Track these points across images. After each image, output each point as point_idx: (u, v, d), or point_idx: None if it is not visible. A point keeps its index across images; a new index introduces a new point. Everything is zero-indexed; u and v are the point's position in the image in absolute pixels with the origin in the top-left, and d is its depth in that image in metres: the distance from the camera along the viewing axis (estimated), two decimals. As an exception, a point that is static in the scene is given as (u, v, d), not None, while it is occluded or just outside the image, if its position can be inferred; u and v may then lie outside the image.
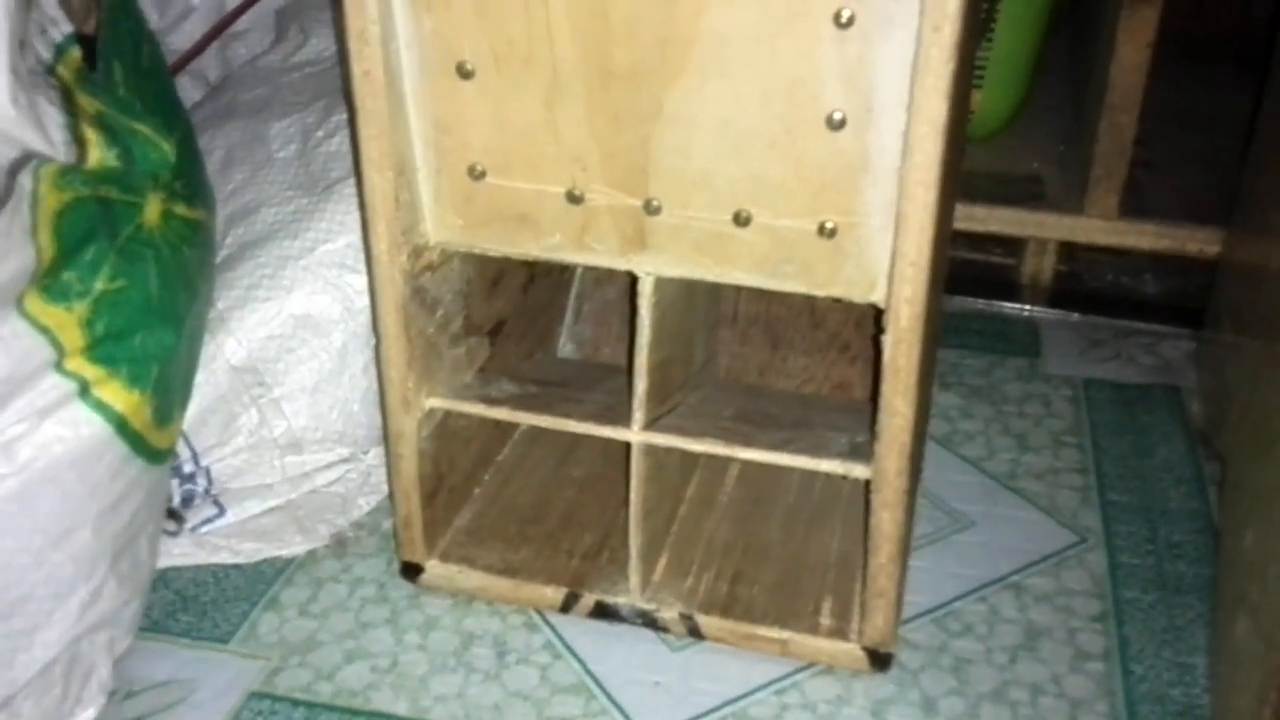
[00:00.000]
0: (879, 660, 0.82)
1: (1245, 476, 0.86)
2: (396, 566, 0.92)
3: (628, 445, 0.82)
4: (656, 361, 0.81)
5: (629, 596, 0.87)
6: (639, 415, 0.82)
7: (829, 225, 0.71)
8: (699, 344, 1.01)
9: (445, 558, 0.91)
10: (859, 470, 0.77)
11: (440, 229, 0.80)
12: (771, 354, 1.15)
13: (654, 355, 0.80)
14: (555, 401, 0.89)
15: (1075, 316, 1.36)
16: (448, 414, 0.89)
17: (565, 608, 0.88)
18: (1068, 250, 1.38)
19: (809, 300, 1.13)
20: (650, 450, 0.84)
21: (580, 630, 0.87)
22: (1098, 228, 1.27)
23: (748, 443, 0.81)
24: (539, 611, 0.89)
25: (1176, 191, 1.38)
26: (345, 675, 0.84)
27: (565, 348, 1.20)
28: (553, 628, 0.88)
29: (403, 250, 0.78)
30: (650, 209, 0.74)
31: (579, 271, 1.19)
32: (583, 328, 1.20)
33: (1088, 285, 1.43)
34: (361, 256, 1.02)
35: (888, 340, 0.71)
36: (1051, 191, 1.37)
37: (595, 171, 0.74)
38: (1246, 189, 1.12)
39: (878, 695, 0.82)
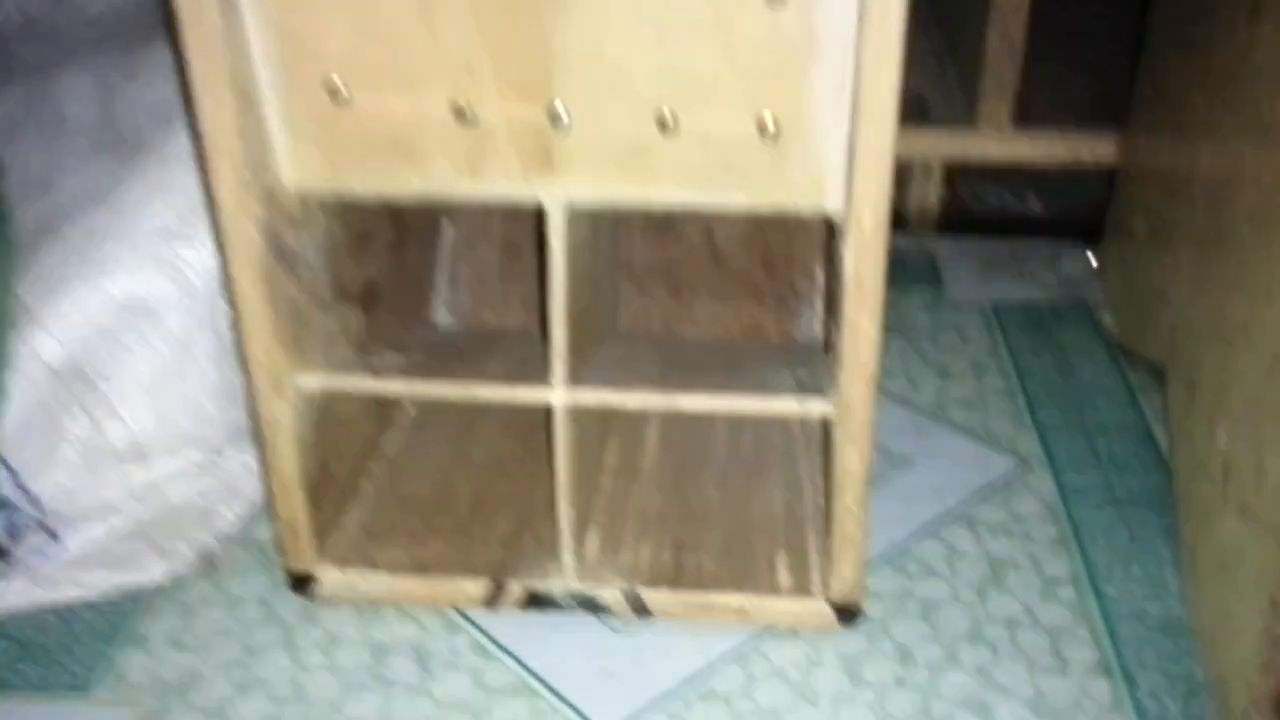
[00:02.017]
0: (847, 614, 0.77)
1: (1201, 377, 0.83)
2: (283, 580, 0.81)
3: (546, 411, 0.74)
4: (575, 310, 0.73)
5: (562, 580, 0.79)
6: (560, 371, 0.74)
7: (769, 123, 0.64)
8: (606, 294, 0.94)
9: (341, 563, 0.80)
10: (817, 406, 0.71)
11: (297, 167, 0.70)
12: (674, 302, 1.09)
13: (571, 301, 0.72)
14: (453, 369, 0.79)
15: (969, 241, 1.35)
16: (328, 395, 0.79)
17: (490, 601, 0.79)
18: (954, 173, 1.36)
19: (709, 240, 1.07)
20: (574, 413, 0.75)
21: (511, 625, 0.79)
22: (991, 142, 1.25)
23: (688, 391, 0.74)
24: (459, 610, 0.81)
25: (1065, 102, 1.38)
26: (241, 710, 0.73)
27: (441, 318, 1.10)
28: (478, 626, 0.79)
29: (254, 195, 0.68)
30: (556, 120, 0.66)
31: (449, 235, 1.09)
32: (459, 294, 1.10)
33: (976, 208, 1.41)
34: (195, 223, 0.90)
35: (848, 251, 0.65)
36: (937, 111, 1.35)
37: (486, 78, 0.65)
38: (1145, 89, 1.11)
39: (849, 651, 0.76)
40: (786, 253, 1.08)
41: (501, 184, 0.69)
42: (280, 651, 0.77)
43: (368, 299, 0.88)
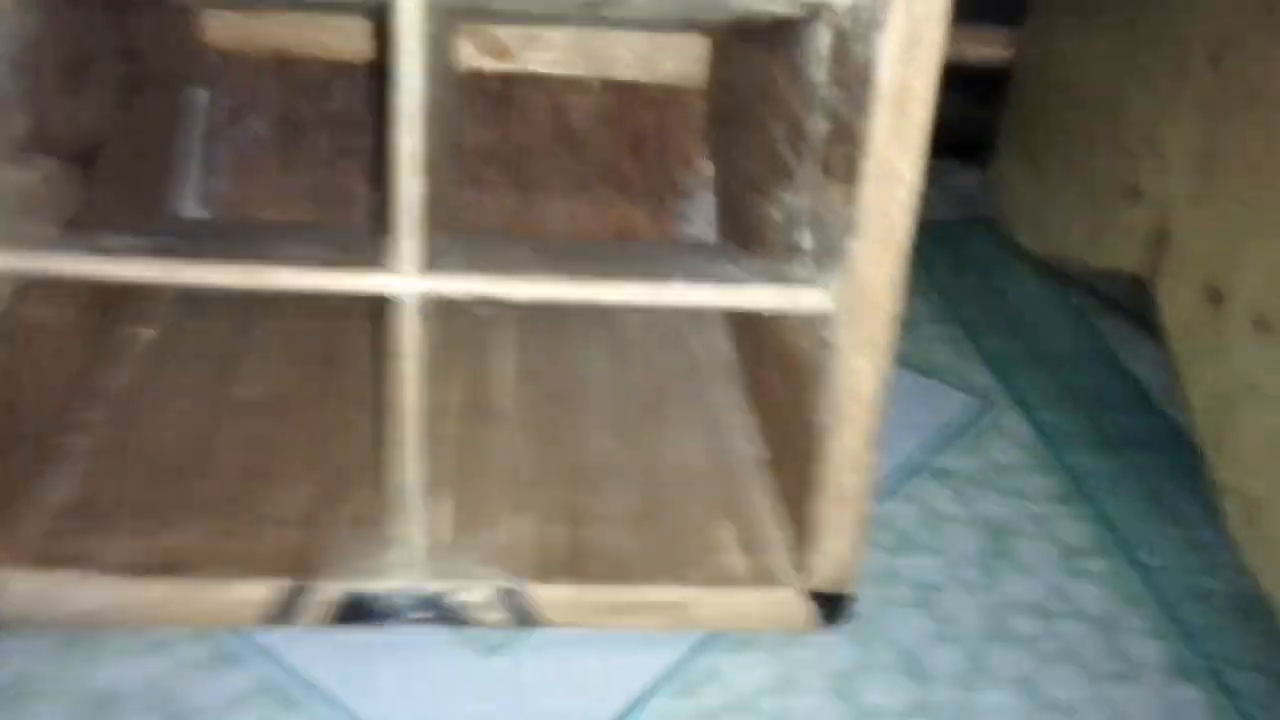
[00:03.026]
0: (834, 608, 0.55)
1: (1233, 279, 0.66)
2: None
3: (366, 318, 0.48)
4: (430, 154, 0.47)
5: (404, 575, 0.53)
6: (410, 250, 0.48)
7: None
8: (446, 170, 0.67)
9: (34, 562, 0.52)
10: (808, 298, 0.48)
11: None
12: (520, 198, 0.84)
13: (428, 140, 0.46)
14: (226, 255, 0.51)
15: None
16: (15, 291, 0.49)
17: (284, 613, 0.53)
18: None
19: (559, 117, 0.82)
20: (425, 310, 0.50)
21: (319, 648, 0.53)
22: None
23: (599, 279, 0.49)
24: (235, 629, 0.53)
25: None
26: None
27: (189, 211, 0.80)
28: (267, 653, 0.52)
29: None
30: None
31: (201, 102, 0.79)
32: (217, 182, 0.81)
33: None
34: None
35: (885, 46, 0.42)
36: None
37: None
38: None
39: (838, 666, 0.54)
40: (659, 135, 0.85)
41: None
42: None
43: (85, 159, 0.59)
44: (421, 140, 0.46)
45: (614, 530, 0.57)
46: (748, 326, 0.69)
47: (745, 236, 0.70)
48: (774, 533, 0.57)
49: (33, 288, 0.51)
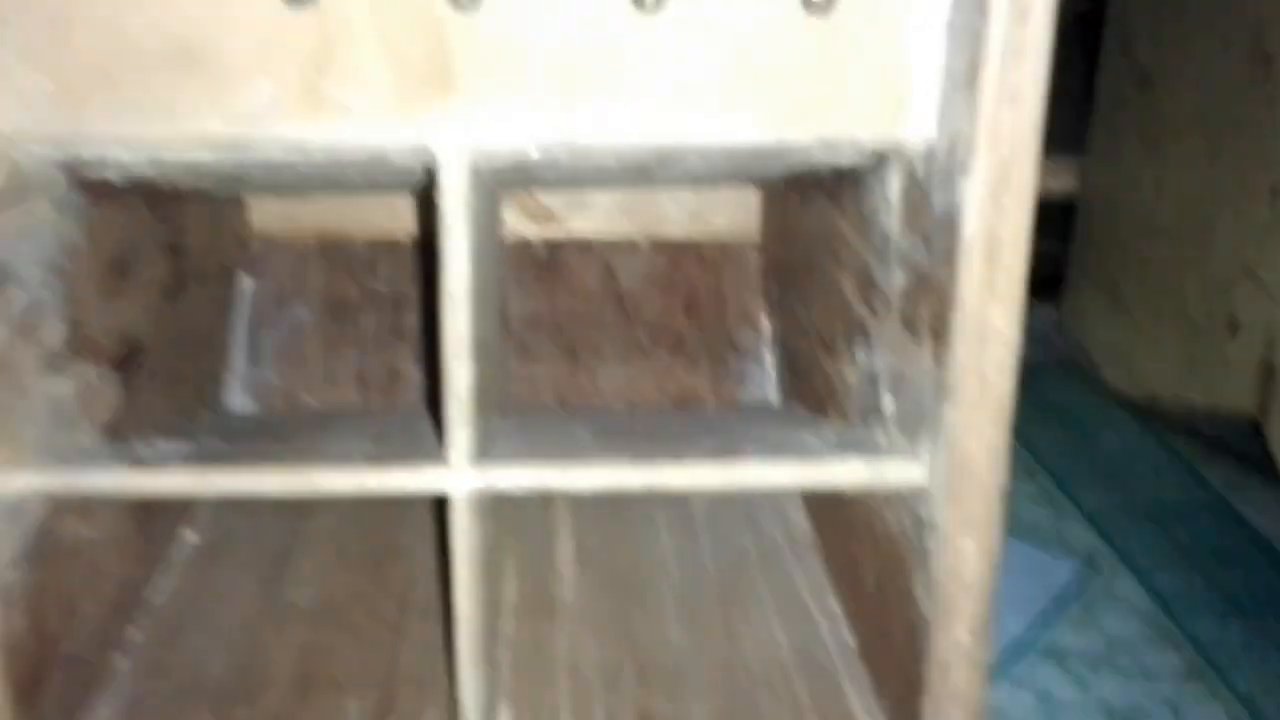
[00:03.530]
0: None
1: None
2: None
3: (436, 512, 0.47)
4: (479, 338, 0.46)
5: (469, 799, 0.49)
6: (462, 441, 0.45)
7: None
8: (495, 347, 0.66)
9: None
10: (902, 471, 0.45)
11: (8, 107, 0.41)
12: (570, 367, 0.82)
13: (475, 325, 0.45)
14: (272, 455, 0.50)
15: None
16: (51, 507, 0.48)
17: None
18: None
19: (609, 280, 0.81)
20: (480, 506, 0.47)
21: None
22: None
23: (674, 460, 0.46)
24: None
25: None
26: None
27: (237, 402, 0.79)
28: None
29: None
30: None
31: (247, 288, 0.79)
32: (264, 370, 0.80)
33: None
34: None
35: (970, 192, 0.39)
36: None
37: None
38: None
39: None
40: (715, 293, 0.83)
41: (360, 120, 0.42)
42: None
43: (126, 362, 0.58)
44: (469, 323, 0.44)
45: (692, 734, 0.52)
46: (829, 501, 0.65)
47: (814, 398, 0.67)
48: (874, 731, 0.53)
49: (68, 506, 0.49)
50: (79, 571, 0.51)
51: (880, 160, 0.47)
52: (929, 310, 0.43)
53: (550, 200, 0.84)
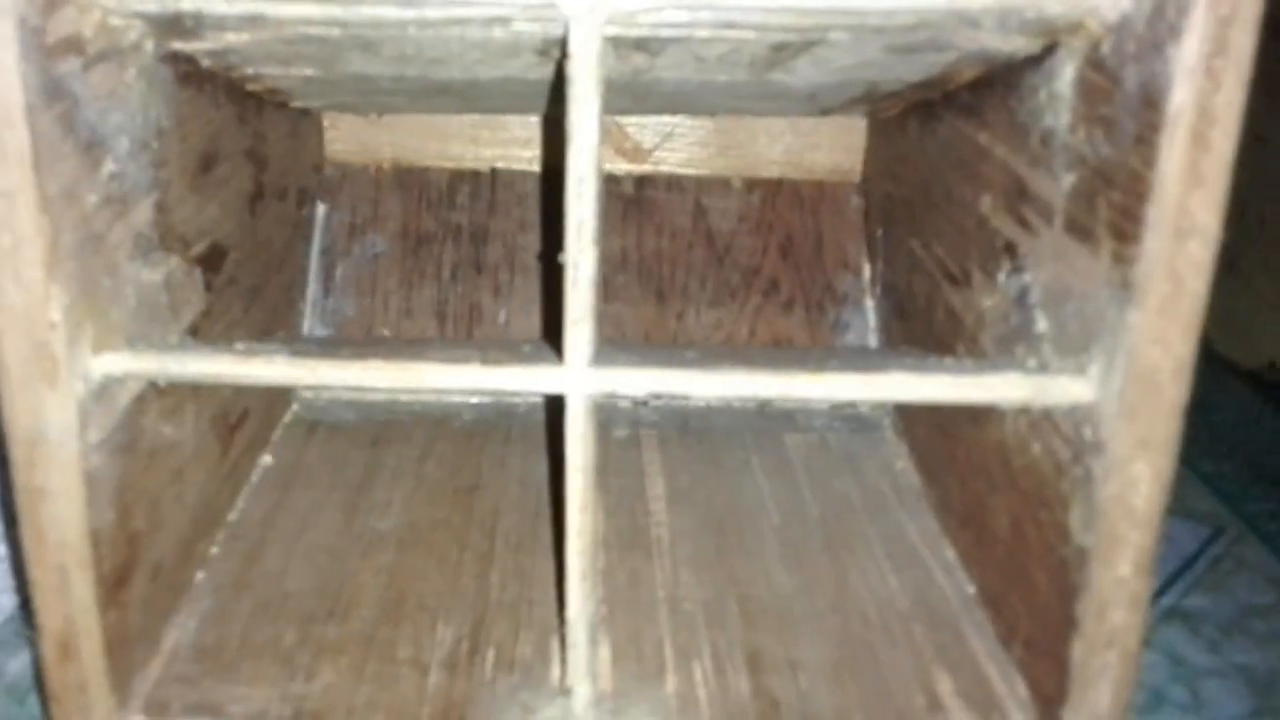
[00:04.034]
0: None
1: None
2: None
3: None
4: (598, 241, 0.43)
5: (568, 728, 0.46)
6: (581, 338, 0.42)
7: None
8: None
9: (159, 710, 0.46)
10: (1075, 388, 0.41)
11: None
12: (658, 308, 0.79)
13: (597, 222, 0.41)
14: (382, 351, 0.47)
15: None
16: (142, 402, 0.45)
17: (440, 777, 0.46)
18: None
19: (701, 220, 0.78)
20: (598, 415, 0.44)
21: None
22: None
23: (811, 369, 0.43)
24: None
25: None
26: None
27: (311, 329, 0.77)
28: (417, 825, 0.45)
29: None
30: None
31: (321, 212, 0.77)
32: (338, 300, 0.77)
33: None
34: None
35: (1182, 58, 0.35)
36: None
37: None
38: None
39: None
40: (813, 236, 0.80)
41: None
42: None
43: (210, 263, 0.55)
44: (596, 209, 0.41)
45: (808, 681, 0.49)
46: (938, 442, 0.62)
47: (930, 339, 0.64)
48: (1003, 686, 0.49)
49: (153, 400, 0.46)
50: (163, 475, 0.49)
51: (1049, 47, 0.43)
52: (1109, 208, 0.39)
53: (639, 132, 0.81)
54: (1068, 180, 0.42)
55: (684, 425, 0.73)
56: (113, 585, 0.43)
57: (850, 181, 0.81)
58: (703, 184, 0.82)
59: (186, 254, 0.51)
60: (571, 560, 0.44)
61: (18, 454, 0.39)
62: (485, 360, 0.43)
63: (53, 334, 0.38)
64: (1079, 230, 0.42)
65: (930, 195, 0.63)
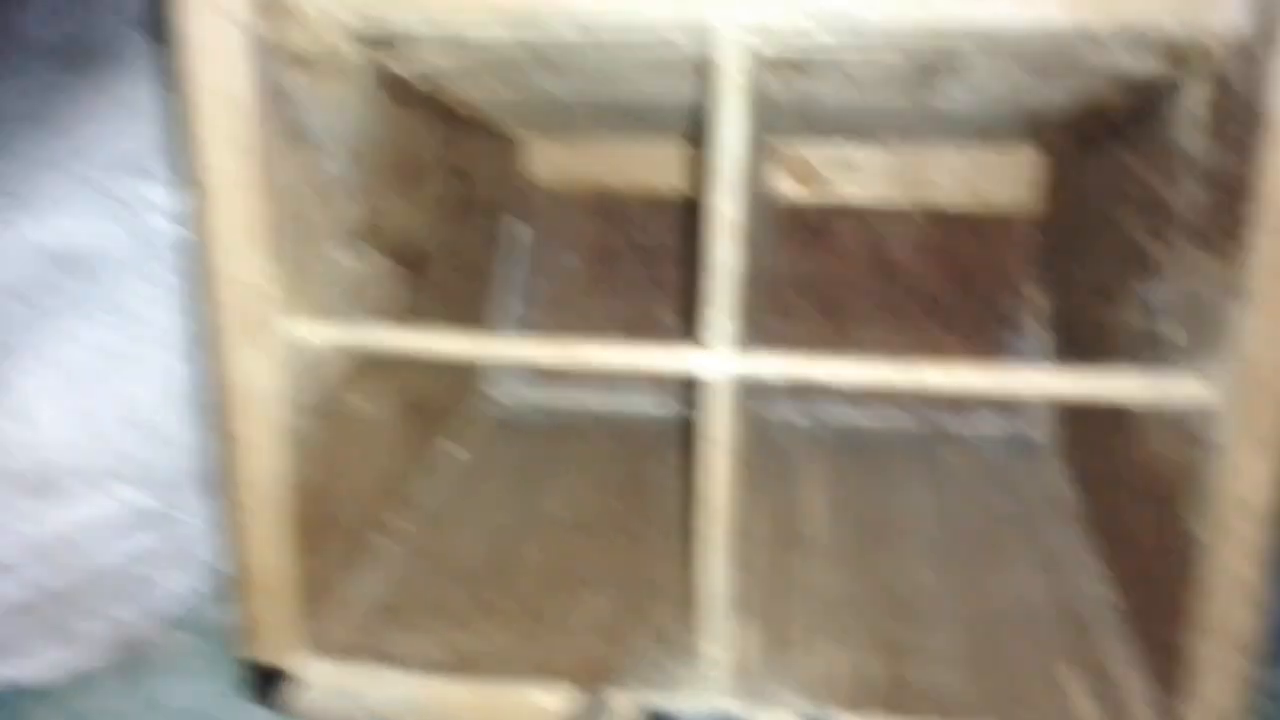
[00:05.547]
0: (1211, 775, 0.46)
1: None
2: (245, 680, 0.52)
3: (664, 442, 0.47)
4: (744, 238, 0.46)
5: (704, 692, 0.49)
6: (721, 323, 0.46)
7: None
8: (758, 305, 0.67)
9: (340, 653, 0.52)
10: (1191, 387, 0.42)
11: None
12: (825, 324, 0.81)
13: (742, 220, 0.45)
14: (542, 334, 0.52)
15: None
16: (345, 377, 0.51)
17: (581, 724, 0.50)
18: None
19: (874, 245, 0.80)
20: (742, 406, 0.47)
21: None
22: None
23: (937, 360, 0.45)
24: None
25: None
26: None
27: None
28: (560, 766, 0.49)
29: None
30: None
31: (522, 236, 0.83)
32: (535, 313, 0.83)
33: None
34: (155, 157, 0.65)
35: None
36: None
37: None
38: None
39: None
40: (982, 262, 0.81)
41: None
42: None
43: (412, 265, 0.62)
44: (741, 209, 0.45)
45: (939, 667, 0.51)
46: (1091, 458, 0.62)
47: (1087, 355, 0.64)
48: (1130, 682, 0.50)
49: (356, 377, 0.52)
50: (358, 445, 0.55)
51: (1180, 68, 0.45)
52: (1228, 216, 0.41)
53: (816, 159, 0.84)
54: (1200, 195, 0.44)
55: (849, 442, 0.76)
56: (309, 535, 0.49)
57: (1025, 213, 0.82)
58: (882, 216, 0.84)
59: (393, 253, 0.58)
60: (710, 532, 0.48)
61: (231, 407, 0.46)
62: (632, 341, 0.47)
63: (268, 305, 0.44)
64: (1203, 240, 0.43)
65: (1090, 222, 0.64)
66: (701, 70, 0.51)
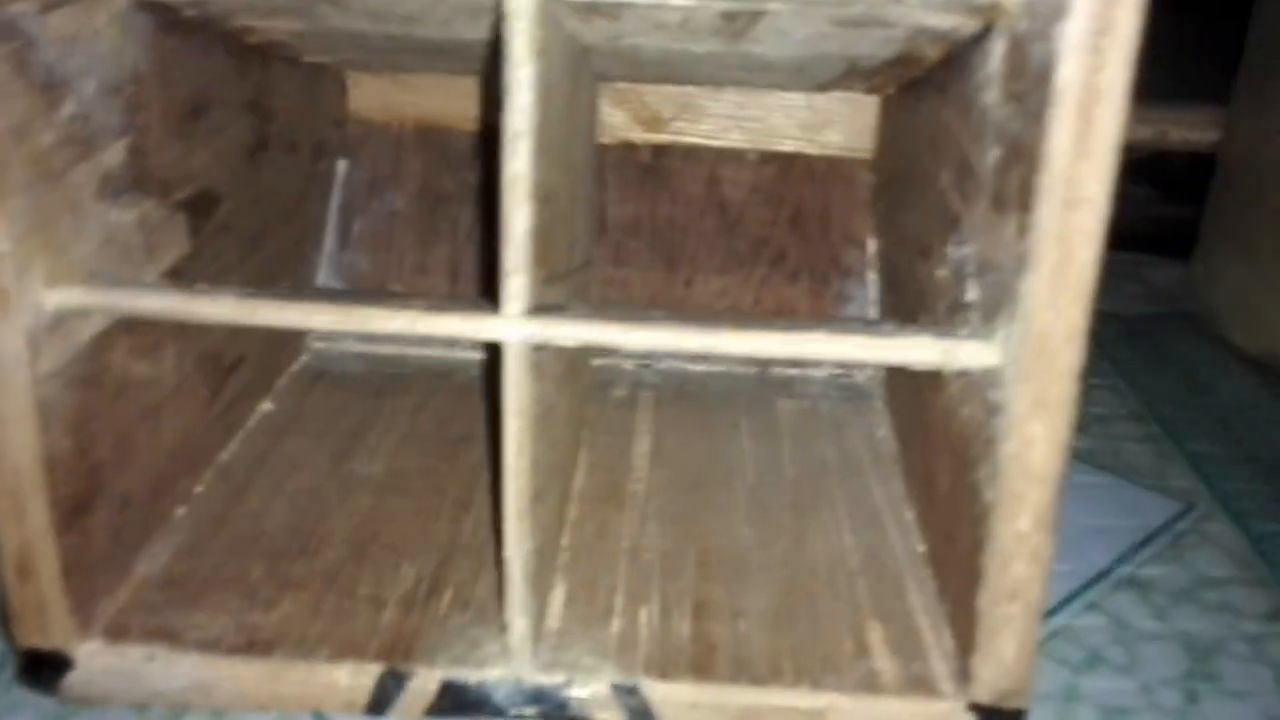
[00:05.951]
0: (1002, 727, 0.46)
1: None
2: (14, 664, 0.49)
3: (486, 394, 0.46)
4: (540, 195, 0.43)
5: (506, 665, 0.48)
6: (515, 287, 0.43)
7: None
8: (580, 227, 0.64)
9: (118, 635, 0.48)
10: (974, 353, 0.41)
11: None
12: (667, 274, 0.80)
13: (536, 177, 0.42)
14: (327, 296, 0.49)
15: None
16: (108, 337, 0.47)
17: (379, 702, 0.48)
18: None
19: (714, 189, 0.78)
20: (536, 368, 0.45)
21: (412, 744, 0.47)
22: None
23: (736, 327, 0.44)
24: (325, 717, 0.48)
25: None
26: None
27: (325, 284, 0.79)
28: (355, 747, 0.48)
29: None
30: None
31: (341, 168, 0.79)
32: (354, 255, 0.80)
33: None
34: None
35: (1067, 35, 0.36)
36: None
37: None
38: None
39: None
40: (822, 210, 0.80)
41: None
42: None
43: (196, 208, 0.57)
44: (531, 166, 0.42)
45: (746, 627, 0.50)
46: (911, 410, 0.62)
47: (908, 309, 0.64)
48: (931, 636, 0.50)
49: (121, 336, 0.49)
50: (134, 410, 0.51)
51: (986, 26, 0.43)
52: (1018, 179, 0.40)
53: (657, 102, 0.81)
54: (994, 154, 0.43)
55: (681, 389, 0.75)
56: (70, 511, 0.46)
57: (863, 159, 0.81)
58: (718, 155, 0.82)
59: (167, 198, 0.53)
60: (509, 501, 0.46)
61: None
62: (428, 308, 0.45)
63: (6, 268, 0.40)
64: (999, 202, 0.42)
65: (912, 172, 0.63)
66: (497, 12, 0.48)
